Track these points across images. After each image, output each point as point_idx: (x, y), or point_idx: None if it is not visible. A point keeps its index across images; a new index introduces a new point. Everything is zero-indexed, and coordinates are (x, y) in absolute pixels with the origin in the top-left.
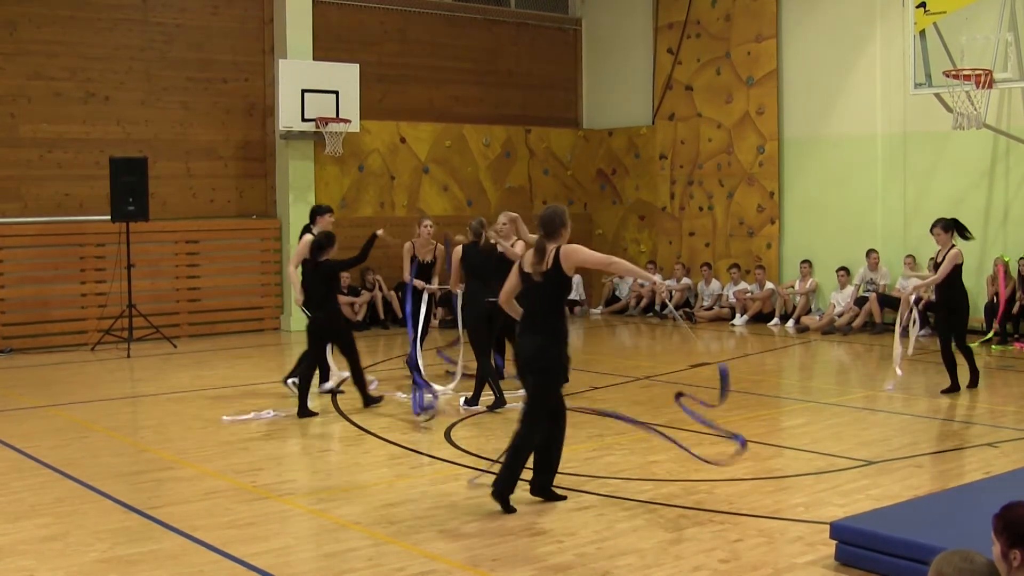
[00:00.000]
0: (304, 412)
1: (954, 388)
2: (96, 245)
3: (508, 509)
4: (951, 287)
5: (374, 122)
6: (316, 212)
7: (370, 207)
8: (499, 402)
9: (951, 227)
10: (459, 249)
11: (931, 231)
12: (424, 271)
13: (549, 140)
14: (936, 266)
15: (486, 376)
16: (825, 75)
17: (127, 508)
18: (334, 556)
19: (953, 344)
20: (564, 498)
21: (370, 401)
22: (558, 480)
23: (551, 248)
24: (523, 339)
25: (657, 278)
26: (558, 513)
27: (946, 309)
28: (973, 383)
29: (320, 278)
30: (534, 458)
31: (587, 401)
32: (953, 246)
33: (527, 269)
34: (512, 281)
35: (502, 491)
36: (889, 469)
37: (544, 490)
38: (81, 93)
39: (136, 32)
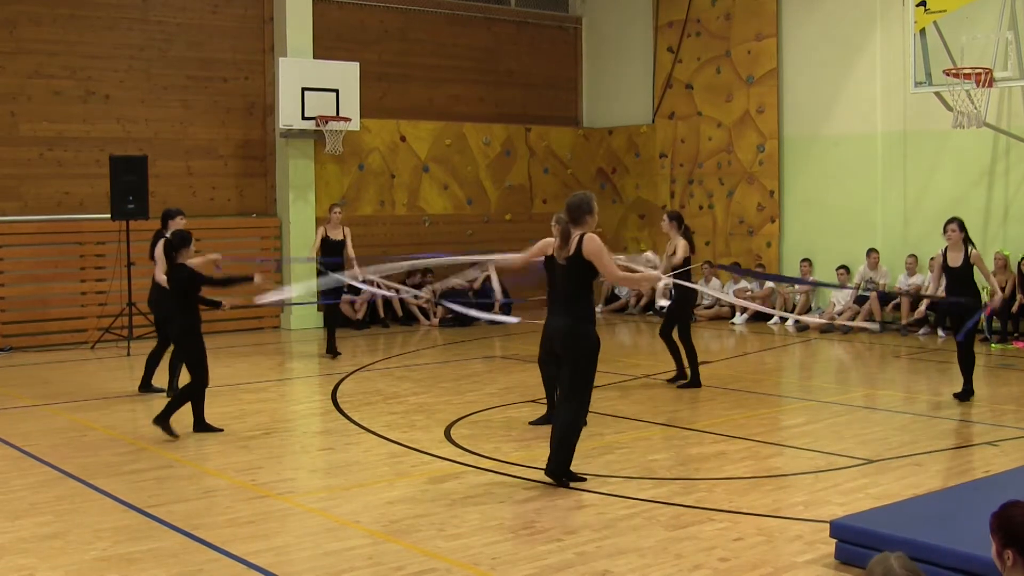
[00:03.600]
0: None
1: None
2: (96, 243)
3: (567, 483)
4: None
5: (374, 121)
6: (167, 216)
7: (370, 206)
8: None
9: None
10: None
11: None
12: (334, 248)
13: (549, 139)
14: (946, 267)
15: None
16: (825, 74)
17: (127, 506)
18: (334, 554)
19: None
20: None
21: (201, 427)
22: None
23: (576, 234)
24: (552, 321)
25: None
26: (558, 512)
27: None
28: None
29: (176, 285)
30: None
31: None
32: (972, 244)
33: (553, 254)
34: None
35: (557, 472)
36: (889, 468)
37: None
38: (81, 92)
39: (136, 31)
